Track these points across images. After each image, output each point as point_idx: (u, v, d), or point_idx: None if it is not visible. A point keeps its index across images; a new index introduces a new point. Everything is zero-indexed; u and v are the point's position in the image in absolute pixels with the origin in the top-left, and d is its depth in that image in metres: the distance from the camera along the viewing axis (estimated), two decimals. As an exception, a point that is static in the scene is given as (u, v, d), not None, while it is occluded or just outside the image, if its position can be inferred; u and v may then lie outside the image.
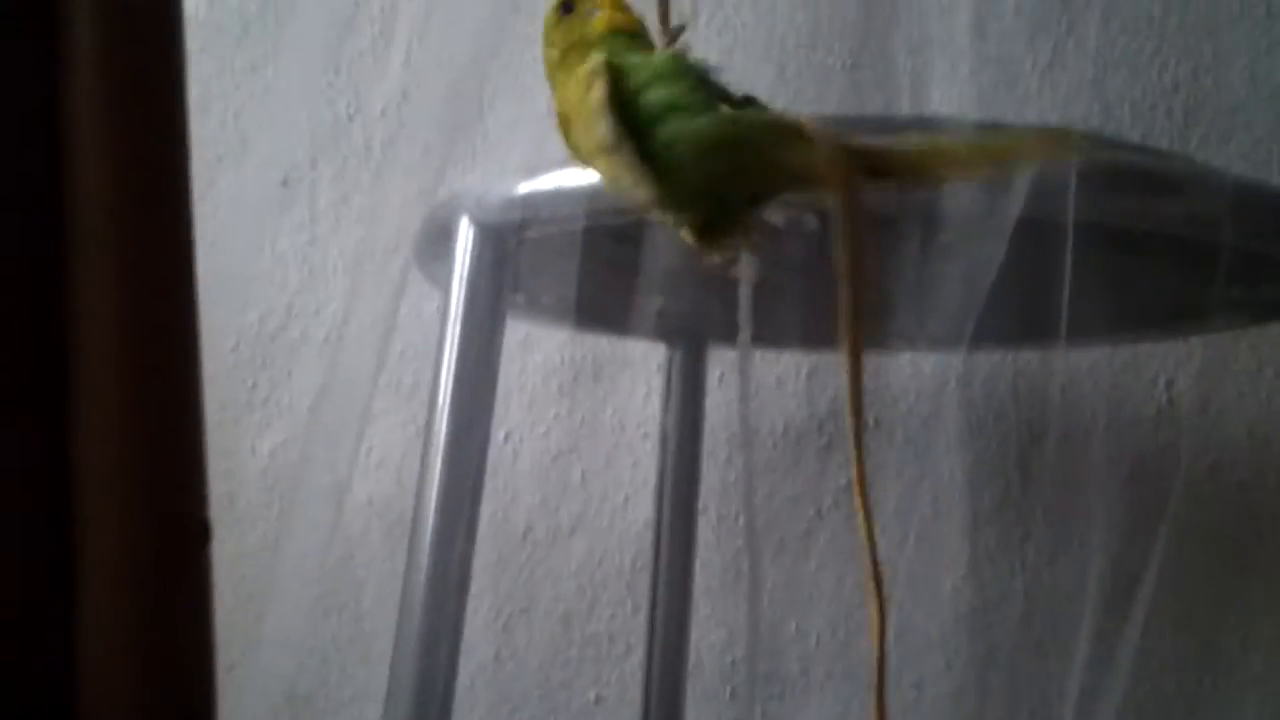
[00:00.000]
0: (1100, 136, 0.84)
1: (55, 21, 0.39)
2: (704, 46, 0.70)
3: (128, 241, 0.40)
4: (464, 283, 0.87)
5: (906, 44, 1.03)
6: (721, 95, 0.66)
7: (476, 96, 1.11)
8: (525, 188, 0.83)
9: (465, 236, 0.87)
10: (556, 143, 1.12)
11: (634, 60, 0.66)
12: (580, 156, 0.69)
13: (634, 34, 0.70)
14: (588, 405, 1.16)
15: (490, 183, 0.88)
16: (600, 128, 0.65)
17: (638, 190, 0.64)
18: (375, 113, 1.22)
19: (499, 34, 1.10)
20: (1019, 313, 0.82)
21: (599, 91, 0.65)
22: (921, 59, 0.99)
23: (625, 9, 0.70)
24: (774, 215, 0.74)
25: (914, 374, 1.10)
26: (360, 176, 1.22)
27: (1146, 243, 0.77)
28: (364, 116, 1.22)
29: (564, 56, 0.71)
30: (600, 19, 0.70)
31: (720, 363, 1.10)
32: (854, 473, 0.63)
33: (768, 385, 1.15)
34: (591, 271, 0.83)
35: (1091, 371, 1.07)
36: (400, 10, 1.21)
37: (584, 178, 0.79)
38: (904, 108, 0.96)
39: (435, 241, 0.91)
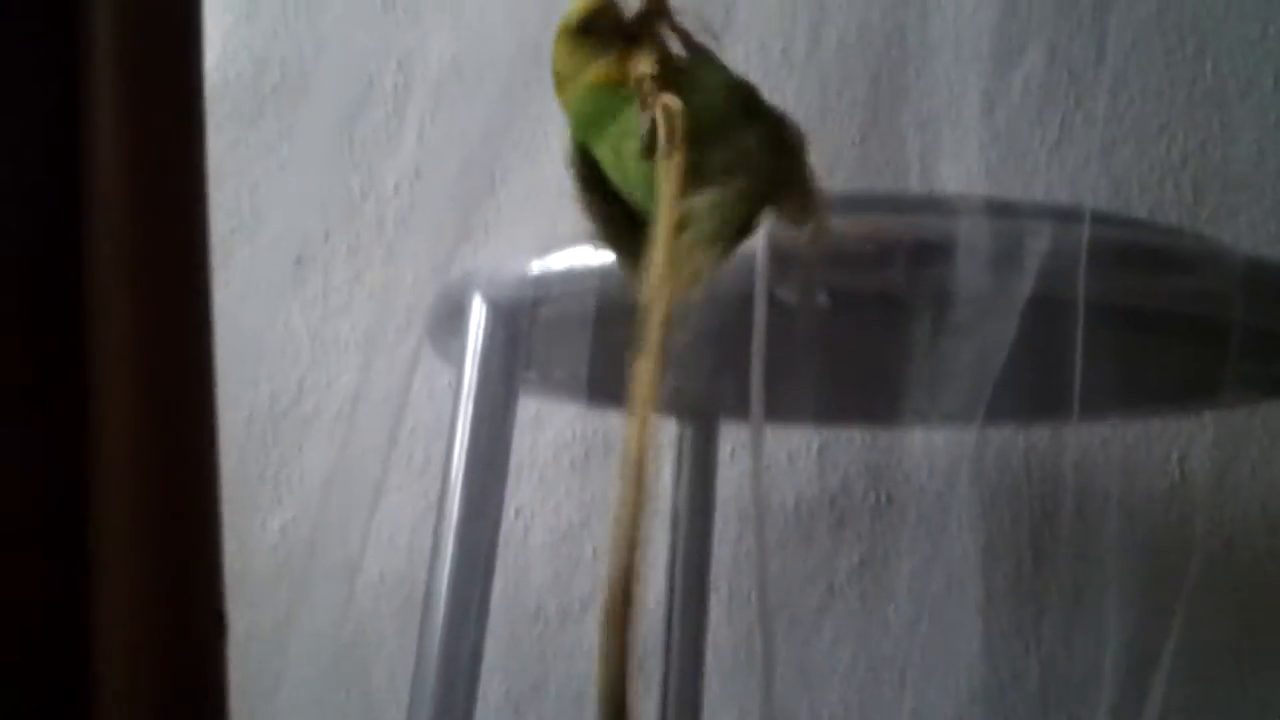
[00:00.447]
0: (1111, 213, 0.84)
1: (78, 93, 0.39)
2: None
3: (146, 317, 0.40)
4: (477, 360, 0.87)
5: (915, 120, 1.04)
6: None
7: (489, 172, 1.12)
8: (538, 266, 0.84)
9: (478, 314, 0.87)
10: (569, 218, 1.13)
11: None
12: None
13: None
14: (599, 482, 1.16)
15: (503, 260, 0.89)
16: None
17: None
18: (388, 189, 1.23)
19: (511, 110, 1.11)
20: (1031, 389, 0.82)
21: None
22: (930, 136, 1.00)
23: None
24: (786, 293, 0.75)
25: (926, 450, 1.10)
26: (373, 253, 1.22)
27: (1158, 319, 0.77)
28: (377, 193, 1.23)
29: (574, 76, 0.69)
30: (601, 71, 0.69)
31: (731, 438, 1.10)
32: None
33: (779, 461, 1.14)
34: (604, 348, 0.84)
35: (1104, 447, 1.06)
36: (413, 88, 1.22)
37: (596, 256, 0.80)
38: (913, 185, 0.97)
39: (448, 318, 0.91)
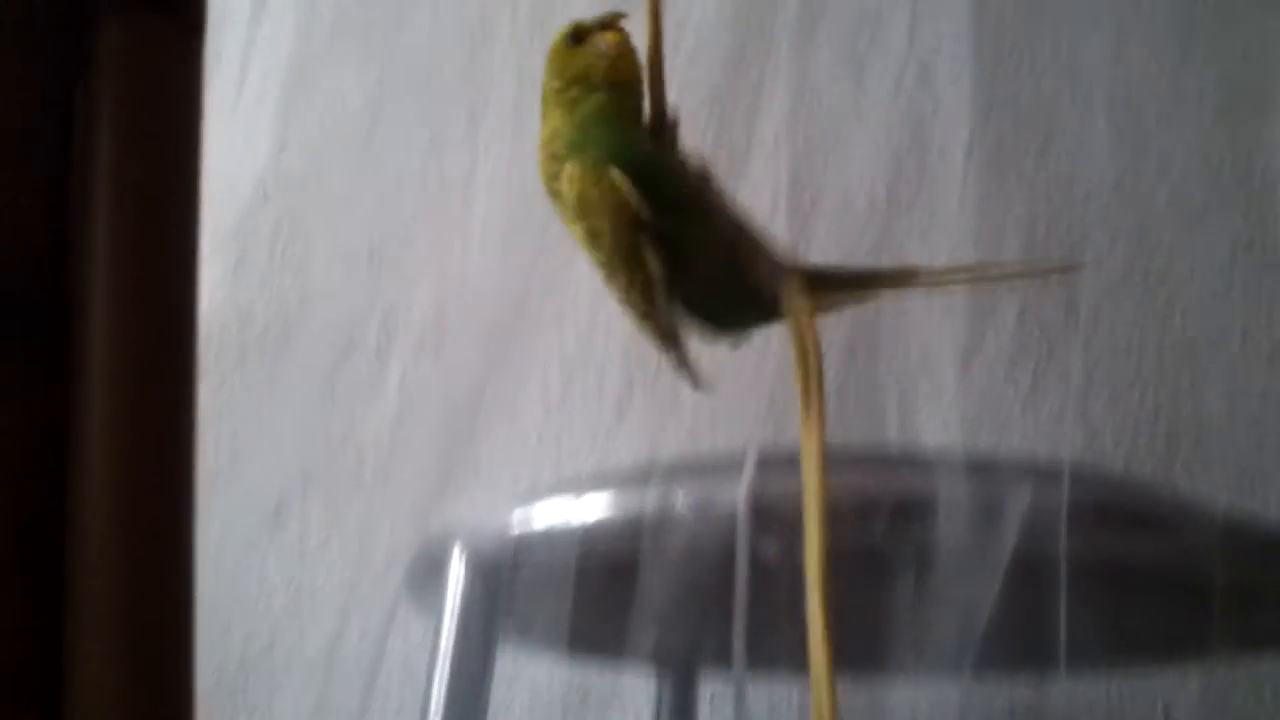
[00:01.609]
0: (1089, 469, 0.85)
1: (70, 341, 0.40)
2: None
3: (132, 556, 0.40)
4: (456, 615, 0.86)
5: (891, 371, 1.06)
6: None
7: (470, 421, 1.13)
8: (518, 521, 0.84)
9: (458, 569, 0.87)
10: (549, 468, 1.13)
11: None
12: (563, 207, 0.72)
13: (630, 83, 0.72)
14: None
15: (483, 514, 0.89)
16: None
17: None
18: (369, 437, 1.23)
19: (492, 360, 1.13)
20: (1016, 642, 0.82)
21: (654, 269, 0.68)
22: (906, 386, 1.02)
23: (630, 55, 0.72)
24: (768, 546, 0.75)
25: (910, 704, 1.08)
26: (352, 501, 1.22)
27: (1139, 575, 0.77)
28: (357, 441, 1.24)
29: (564, 89, 0.72)
30: (603, 67, 0.72)
31: (711, 686, 1.08)
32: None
33: (760, 713, 1.12)
34: (584, 602, 0.83)
35: (1089, 700, 1.05)
36: (396, 337, 1.23)
37: (578, 512, 0.80)
38: (891, 435, 0.98)
39: (427, 571, 0.90)
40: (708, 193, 0.72)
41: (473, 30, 1.25)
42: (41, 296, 0.40)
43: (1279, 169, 1.06)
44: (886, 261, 1.09)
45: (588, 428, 1.15)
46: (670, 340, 0.72)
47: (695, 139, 1.11)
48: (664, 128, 0.73)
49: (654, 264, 0.70)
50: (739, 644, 0.74)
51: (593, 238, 0.71)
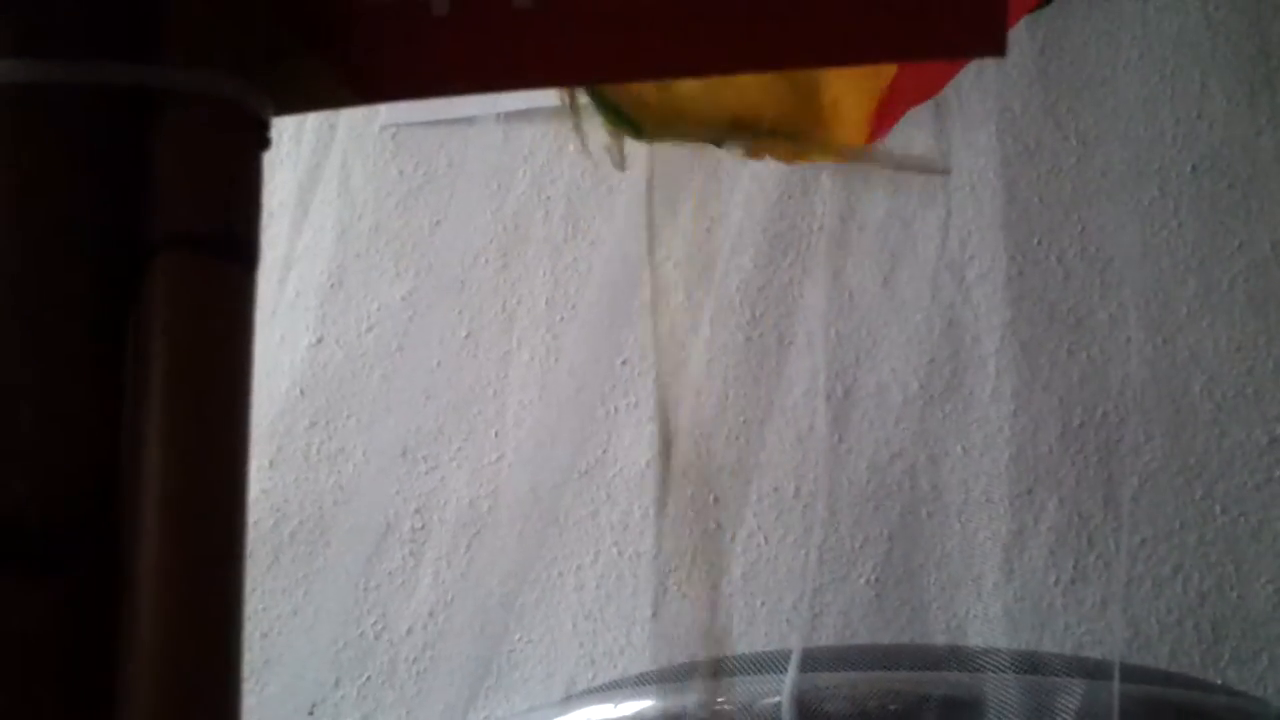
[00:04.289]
0: (1139, 667, 0.83)
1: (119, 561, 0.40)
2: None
3: None
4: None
5: (931, 563, 1.05)
6: None
7: (505, 614, 1.12)
8: (558, 722, 0.82)
9: (494, 770, 0.85)
10: (585, 665, 1.12)
11: None
12: None
13: None
14: None
15: (521, 717, 0.87)
16: None
17: None
18: (402, 632, 1.22)
19: (527, 552, 1.12)
20: None
21: None
22: (947, 578, 1.00)
23: None
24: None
25: None
26: (385, 698, 1.20)
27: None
28: (391, 636, 1.22)
29: None
30: None
31: None
32: None
33: None
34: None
35: None
36: (431, 531, 1.23)
37: (614, 713, 0.79)
38: (932, 629, 0.96)
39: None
40: None
41: (507, 230, 1.28)
42: (90, 522, 0.41)
43: (1313, 356, 1.06)
44: (923, 457, 1.09)
45: (623, 625, 1.14)
46: None
47: (731, 332, 1.13)
48: None
49: None
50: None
51: None
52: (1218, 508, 1.12)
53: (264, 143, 0.45)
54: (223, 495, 0.42)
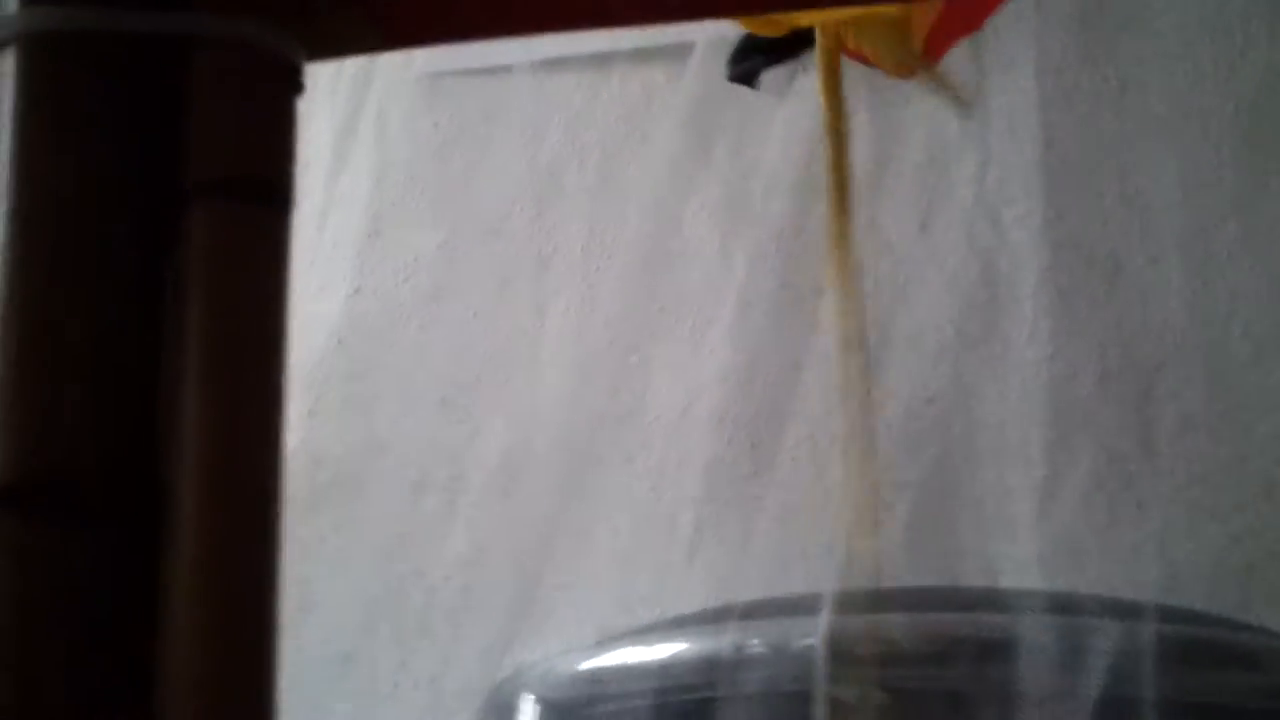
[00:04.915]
0: (1173, 608, 0.83)
1: (162, 514, 0.41)
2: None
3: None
4: (528, 760, 0.86)
5: (967, 506, 1.05)
6: None
7: (539, 562, 1.12)
8: (590, 665, 0.83)
9: (530, 714, 0.86)
10: (619, 611, 1.13)
11: None
12: None
13: None
14: None
15: (555, 660, 0.88)
16: None
17: None
18: (438, 579, 1.23)
19: (561, 501, 1.13)
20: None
21: None
22: (981, 521, 1.01)
23: None
24: (844, 691, 0.73)
25: None
26: (421, 644, 1.21)
27: (1225, 712, 0.75)
28: (427, 583, 1.23)
29: None
30: None
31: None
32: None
33: None
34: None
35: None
36: (466, 480, 1.24)
37: (649, 653, 0.79)
38: (968, 573, 0.96)
39: (499, 716, 0.90)
40: None
41: (542, 179, 1.28)
42: (133, 472, 0.41)
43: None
44: (958, 402, 1.09)
45: (657, 571, 1.14)
46: None
47: (765, 276, 1.13)
48: None
49: None
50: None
51: None
52: (1254, 450, 1.12)
53: (297, 88, 0.45)
54: (261, 444, 0.43)
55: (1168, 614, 0.72)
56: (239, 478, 0.42)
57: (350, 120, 1.29)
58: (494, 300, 1.28)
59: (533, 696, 0.87)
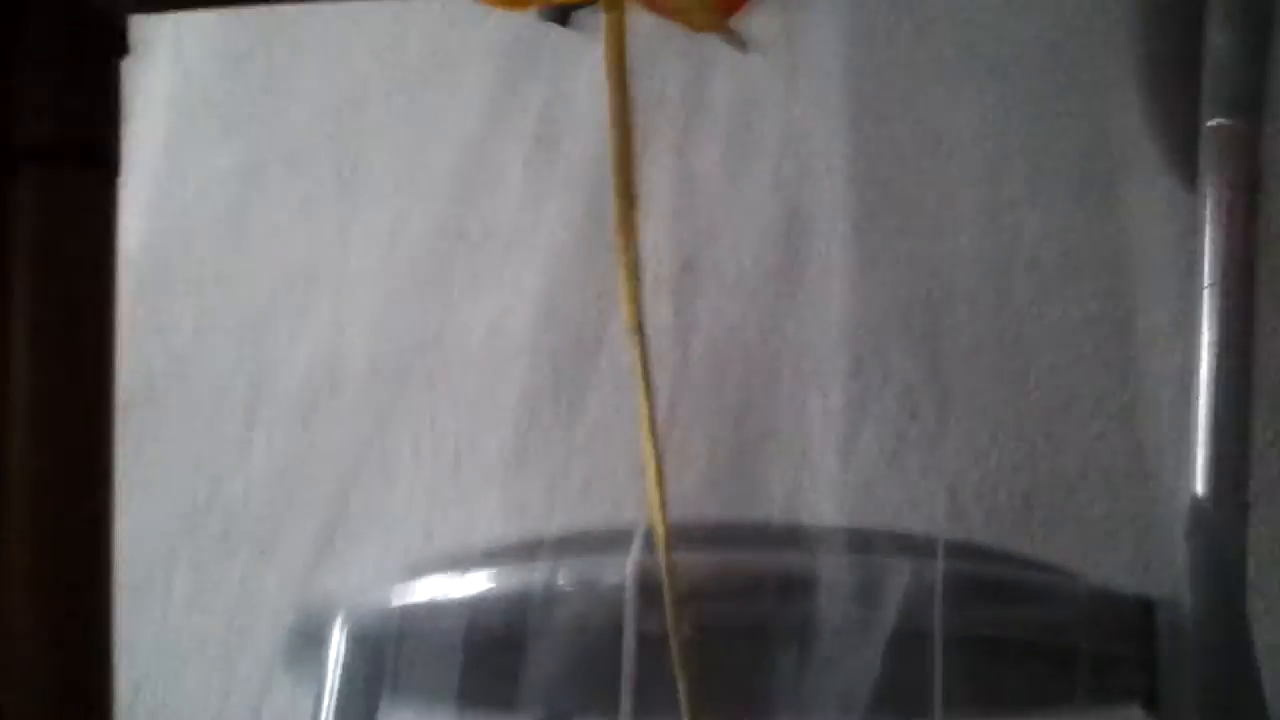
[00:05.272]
0: (962, 543, 0.88)
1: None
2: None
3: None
4: (336, 688, 0.86)
5: (770, 436, 1.08)
6: None
7: (343, 490, 1.12)
8: (404, 594, 0.84)
9: (339, 641, 0.86)
10: (426, 540, 1.13)
11: None
12: None
13: None
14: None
15: (365, 588, 0.88)
16: None
17: None
18: (238, 504, 1.22)
19: (366, 428, 1.12)
20: (894, 712, 0.84)
21: None
22: (782, 453, 1.04)
23: None
24: (653, 625, 0.76)
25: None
26: (220, 570, 1.20)
27: (1010, 643, 0.80)
28: (226, 506, 1.22)
29: None
30: None
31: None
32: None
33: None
34: (470, 676, 0.83)
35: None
36: (266, 402, 1.22)
37: (465, 586, 0.80)
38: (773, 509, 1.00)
39: (305, 643, 0.90)
40: None
41: (343, 93, 1.25)
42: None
43: (1128, 242, 1.11)
44: (759, 334, 1.12)
45: (464, 499, 1.15)
46: None
47: (573, 208, 1.13)
48: None
49: None
50: (625, 716, 0.75)
51: None
52: (1032, 381, 1.17)
53: (123, 49, 0.44)
54: (95, 407, 0.43)
55: (955, 549, 0.76)
56: (70, 440, 0.42)
57: (147, 35, 1.24)
58: (293, 218, 1.26)
59: (342, 625, 0.87)
